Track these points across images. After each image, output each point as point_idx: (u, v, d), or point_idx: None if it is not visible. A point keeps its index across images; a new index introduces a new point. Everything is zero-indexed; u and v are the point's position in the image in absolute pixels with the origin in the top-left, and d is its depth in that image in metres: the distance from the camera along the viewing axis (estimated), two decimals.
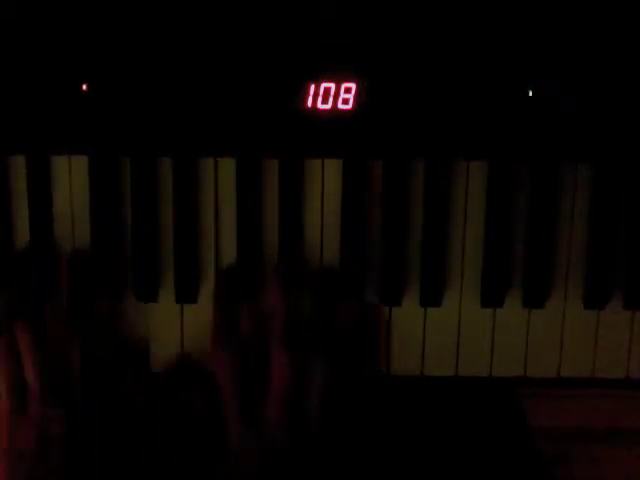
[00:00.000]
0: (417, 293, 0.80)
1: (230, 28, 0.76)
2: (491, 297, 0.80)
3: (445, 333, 0.81)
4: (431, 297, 0.80)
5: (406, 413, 0.82)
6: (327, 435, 0.75)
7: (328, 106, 0.77)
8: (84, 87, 0.77)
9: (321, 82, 0.77)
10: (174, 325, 0.81)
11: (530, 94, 0.77)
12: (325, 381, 0.75)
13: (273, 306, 0.77)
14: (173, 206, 0.79)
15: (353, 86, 0.77)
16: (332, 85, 0.77)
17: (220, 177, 0.79)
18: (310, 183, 0.79)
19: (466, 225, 0.80)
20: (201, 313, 0.80)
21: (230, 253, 0.80)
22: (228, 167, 0.79)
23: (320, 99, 0.77)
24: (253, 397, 0.75)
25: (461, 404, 0.83)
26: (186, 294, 0.80)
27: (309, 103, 0.77)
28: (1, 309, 0.76)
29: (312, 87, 0.77)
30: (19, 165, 0.78)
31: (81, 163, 0.78)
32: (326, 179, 0.79)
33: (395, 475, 0.82)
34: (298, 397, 0.75)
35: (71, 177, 0.79)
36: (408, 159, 0.78)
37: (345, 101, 0.77)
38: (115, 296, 0.80)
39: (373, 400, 0.81)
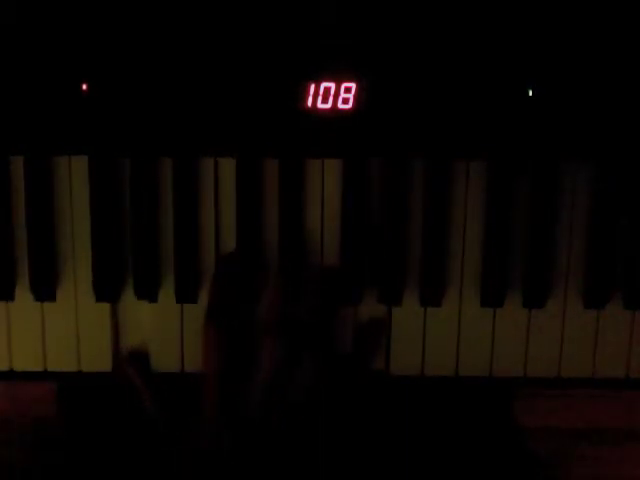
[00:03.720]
0: (417, 293, 0.80)
1: (230, 28, 0.77)
2: (491, 297, 0.80)
3: (445, 333, 0.81)
4: (431, 297, 0.80)
5: (403, 413, 0.83)
6: (315, 428, 0.75)
7: (328, 106, 0.77)
8: (84, 87, 0.77)
9: (321, 82, 0.77)
10: (174, 325, 0.81)
11: (530, 94, 0.77)
12: (312, 373, 0.75)
13: (271, 298, 0.77)
14: (173, 206, 0.79)
15: (353, 86, 0.77)
16: (332, 85, 0.77)
17: (220, 177, 0.79)
18: (310, 183, 0.79)
19: (466, 225, 0.80)
20: (201, 313, 0.79)
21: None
22: (228, 167, 0.79)
23: (320, 99, 0.77)
24: (236, 380, 0.74)
25: (448, 405, 0.83)
26: (186, 294, 0.80)
27: (309, 103, 0.77)
28: None
29: (312, 87, 0.77)
30: (20, 165, 0.78)
31: (81, 163, 0.78)
32: (326, 179, 0.79)
33: (390, 474, 0.82)
34: (283, 386, 0.74)
35: (71, 177, 0.79)
36: (408, 159, 0.78)
37: (345, 101, 0.77)
38: (114, 296, 0.80)
39: (369, 399, 0.81)
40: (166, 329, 0.81)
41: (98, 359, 0.81)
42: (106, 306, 0.80)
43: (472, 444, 0.83)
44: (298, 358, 0.75)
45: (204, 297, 0.80)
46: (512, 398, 0.83)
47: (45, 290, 0.80)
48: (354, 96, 0.77)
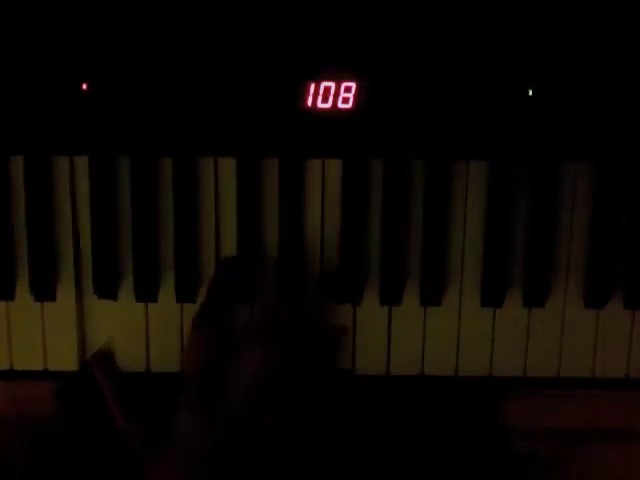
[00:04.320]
0: (417, 293, 0.80)
1: (230, 28, 0.77)
2: (491, 297, 0.80)
3: (445, 333, 0.81)
4: (431, 297, 0.80)
5: (403, 413, 0.83)
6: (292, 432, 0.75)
7: (328, 105, 0.77)
8: (84, 87, 0.77)
9: (321, 81, 0.77)
10: (174, 325, 0.81)
11: (530, 94, 0.77)
12: (306, 373, 0.74)
13: (266, 299, 0.77)
14: (173, 206, 0.79)
15: (353, 85, 0.77)
16: (332, 84, 0.77)
17: (220, 177, 0.79)
18: (310, 183, 0.79)
19: (466, 225, 0.80)
20: None
21: (230, 253, 0.80)
22: (228, 167, 0.79)
23: (320, 98, 0.77)
24: (216, 381, 0.74)
25: (441, 405, 0.83)
26: (186, 294, 0.80)
27: (309, 102, 0.77)
28: None
29: (312, 86, 0.77)
30: (20, 165, 0.78)
31: (81, 163, 0.78)
32: (326, 179, 0.79)
33: (388, 473, 0.82)
34: (276, 386, 0.74)
35: (71, 177, 0.79)
36: (408, 159, 0.78)
37: (345, 100, 0.77)
38: (113, 295, 0.80)
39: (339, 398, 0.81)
40: (166, 329, 0.81)
41: None
42: (106, 305, 0.80)
43: (458, 443, 0.83)
44: (291, 359, 0.75)
45: (203, 297, 0.80)
46: (497, 397, 0.83)
47: (45, 290, 0.80)
48: (354, 96, 0.77)
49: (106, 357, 0.81)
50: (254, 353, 0.73)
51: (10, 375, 0.81)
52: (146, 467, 0.72)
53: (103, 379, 0.79)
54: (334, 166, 0.79)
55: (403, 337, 0.81)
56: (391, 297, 0.80)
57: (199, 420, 0.72)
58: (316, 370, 0.76)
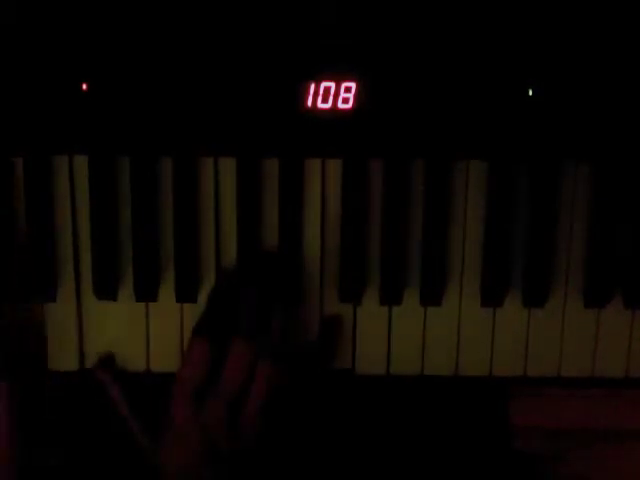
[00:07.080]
0: (417, 293, 0.80)
1: (230, 27, 0.77)
2: (491, 297, 0.80)
3: (445, 333, 0.81)
4: (431, 297, 0.80)
5: (401, 412, 0.83)
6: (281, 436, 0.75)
7: (328, 105, 0.77)
8: (84, 87, 0.77)
9: (321, 81, 0.77)
10: (174, 325, 0.81)
11: (530, 94, 0.77)
12: (270, 382, 0.75)
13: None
14: (173, 206, 0.79)
15: (353, 85, 0.77)
16: (332, 84, 0.77)
17: (220, 177, 0.79)
18: (310, 183, 0.79)
19: (466, 225, 0.80)
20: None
21: (230, 253, 0.80)
22: (228, 167, 0.79)
23: (320, 98, 0.77)
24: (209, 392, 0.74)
25: (444, 404, 0.83)
26: (186, 294, 0.80)
27: (309, 102, 0.77)
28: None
29: (312, 86, 0.77)
30: (21, 165, 0.78)
31: (81, 163, 0.78)
32: (326, 179, 0.79)
33: (387, 473, 0.82)
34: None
35: (71, 177, 0.79)
36: (408, 159, 0.78)
37: (345, 100, 0.77)
38: (113, 295, 0.80)
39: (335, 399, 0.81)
40: (166, 329, 0.81)
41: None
42: (106, 305, 0.80)
43: (458, 443, 0.83)
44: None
45: (204, 297, 0.80)
46: (497, 397, 0.83)
47: (45, 290, 0.80)
48: (354, 96, 0.77)
49: (109, 362, 0.81)
50: (268, 368, 0.74)
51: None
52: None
53: (111, 383, 0.80)
54: (334, 166, 0.79)
55: (403, 337, 0.81)
56: (391, 297, 0.80)
57: (195, 421, 0.73)
58: (300, 369, 0.77)
